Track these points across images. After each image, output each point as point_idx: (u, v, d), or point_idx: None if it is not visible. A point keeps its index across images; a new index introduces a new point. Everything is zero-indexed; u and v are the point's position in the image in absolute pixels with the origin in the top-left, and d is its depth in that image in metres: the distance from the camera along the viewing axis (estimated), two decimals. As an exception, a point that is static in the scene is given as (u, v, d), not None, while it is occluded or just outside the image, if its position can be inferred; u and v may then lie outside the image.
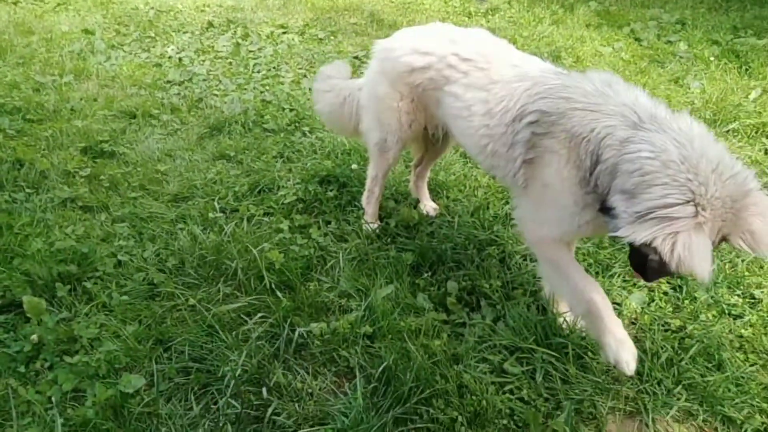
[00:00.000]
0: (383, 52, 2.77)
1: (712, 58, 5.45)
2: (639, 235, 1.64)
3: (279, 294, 2.60)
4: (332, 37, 6.35)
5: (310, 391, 2.18)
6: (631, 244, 1.78)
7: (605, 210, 1.86)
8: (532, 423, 1.98)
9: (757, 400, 2.11)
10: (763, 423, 2.05)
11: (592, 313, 2.04)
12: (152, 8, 7.12)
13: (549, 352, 2.27)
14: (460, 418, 2.03)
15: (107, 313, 2.54)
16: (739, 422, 2.06)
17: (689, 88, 4.86)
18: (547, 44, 5.94)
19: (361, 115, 2.96)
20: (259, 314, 2.49)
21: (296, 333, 2.36)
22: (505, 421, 2.05)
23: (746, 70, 5.19)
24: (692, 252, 1.58)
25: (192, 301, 2.57)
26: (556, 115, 2.05)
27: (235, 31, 6.45)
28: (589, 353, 2.29)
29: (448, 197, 3.37)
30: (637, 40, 6.11)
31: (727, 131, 4.11)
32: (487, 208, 3.24)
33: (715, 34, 6.09)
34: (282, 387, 2.18)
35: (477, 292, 2.64)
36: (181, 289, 2.65)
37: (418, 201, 3.34)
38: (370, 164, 3.04)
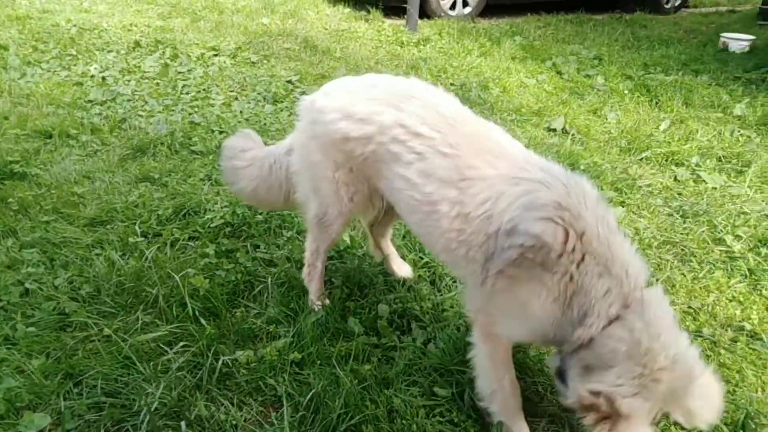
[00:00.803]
0: (312, 114, 2.29)
1: (626, 92, 5.84)
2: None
3: (203, 321, 2.48)
4: (265, 61, 6.31)
5: (234, 423, 2.07)
6: None
7: (560, 373, 1.83)
8: (461, 446, 1.97)
9: (672, 413, 2.20)
10: (678, 435, 2.13)
11: (504, 414, 2.04)
12: (74, 25, 6.83)
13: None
14: (390, 444, 2.00)
15: (10, 346, 2.34)
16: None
17: (606, 119, 5.16)
18: (475, 74, 6.16)
19: (296, 183, 2.49)
20: (181, 343, 2.36)
21: (220, 362, 2.26)
22: (435, 445, 2.03)
23: (656, 103, 5.59)
24: None
25: (107, 331, 2.40)
26: (560, 252, 1.70)
27: (163, 52, 6.27)
28: (516, 374, 2.32)
29: (379, 221, 3.37)
30: (559, 73, 6.46)
31: (641, 159, 4.38)
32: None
33: (628, 70, 6.55)
34: (204, 420, 2.06)
35: (408, 314, 2.63)
36: (96, 319, 2.48)
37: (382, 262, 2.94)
38: (309, 236, 2.58)
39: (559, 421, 2.16)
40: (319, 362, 2.30)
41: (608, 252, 1.70)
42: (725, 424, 2.12)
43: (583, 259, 1.70)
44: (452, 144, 1.94)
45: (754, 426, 2.12)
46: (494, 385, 2.03)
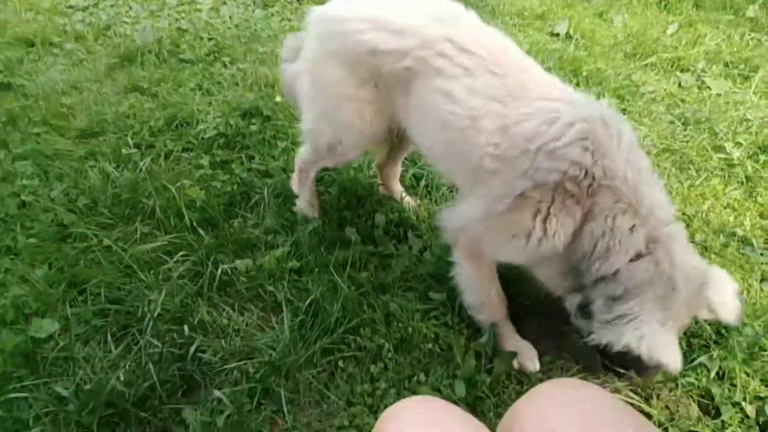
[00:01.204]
0: (328, 25, 2.09)
1: (634, -7, 5.54)
2: (611, 339, 1.73)
3: (201, 231, 2.50)
4: (254, -39, 5.92)
5: (236, 327, 2.15)
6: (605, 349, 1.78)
7: (582, 307, 1.86)
8: (455, 346, 2.06)
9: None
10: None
11: (494, 324, 2.10)
12: None
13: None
14: (387, 345, 2.08)
15: (12, 257, 2.38)
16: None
17: (612, 22, 4.94)
18: (477, -25, 5.81)
19: (302, 108, 2.32)
20: (181, 253, 2.40)
21: (220, 270, 2.30)
22: (430, 346, 2.11)
23: (665, 5, 5.32)
24: (659, 349, 1.69)
25: (107, 242, 2.44)
26: (599, 184, 1.72)
27: (145, -48, 5.88)
28: (510, 281, 2.38)
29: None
30: (565, -28, 6.09)
31: (645, 65, 4.23)
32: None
33: (638, -32, 6.17)
34: (207, 324, 2.14)
35: (404, 224, 2.65)
36: (95, 230, 2.50)
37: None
38: (305, 150, 2.41)
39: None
40: (317, 270, 2.34)
41: (634, 193, 1.72)
42: (709, 323, 2.20)
43: (601, 193, 1.72)
44: (500, 64, 1.89)
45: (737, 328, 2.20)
46: (481, 298, 2.11)
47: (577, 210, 1.75)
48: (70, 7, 4.66)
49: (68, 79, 3.62)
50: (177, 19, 4.59)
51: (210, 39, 4.24)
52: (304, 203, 2.59)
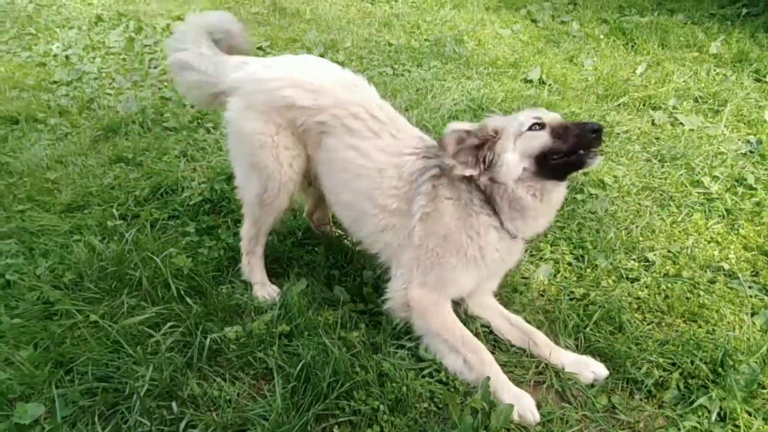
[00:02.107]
0: (250, 84, 2.40)
1: (602, 36, 5.77)
2: None
3: (189, 301, 2.48)
4: (233, 28, 6.11)
5: (227, 398, 2.10)
6: None
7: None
8: (450, 403, 2.02)
9: (654, 356, 2.27)
10: (660, 376, 2.20)
11: (488, 378, 2.07)
12: (31, 2, 6.56)
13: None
14: (381, 407, 2.04)
15: (-3, 339, 2.33)
16: (639, 379, 2.20)
17: (583, 66, 5.12)
18: (449, 28, 6.04)
19: (234, 167, 2.60)
20: (169, 324, 2.36)
21: (209, 339, 2.27)
22: (425, 404, 2.07)
23: (632, 46, 5.54)
24: None
25: (93, 317, 2.40)
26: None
27: (127, 25, 6.08)
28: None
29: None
30: (534, 21, 6.35)
31: (618, 105, 4.37)
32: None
33: (603, 13, 6.45)
34: (197, 397, 2.09)
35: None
36: (81, 306, 2.47)
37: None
38: (245, 223, 2.58)
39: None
40: (307, 333, 2.32)
41: None
42: (705, 363, 2.19)
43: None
44: (398, 129, 2.38)
45: (732, 362, 2.19)
46: (459, 349, 2.17)
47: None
48: (54, 82, 4.75)
49: (53, 154, 3.65)
50: (160, 89, 4.69)
51: (193, 106, 4.32)
52: (260, 289, 2.58)
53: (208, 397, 2.09)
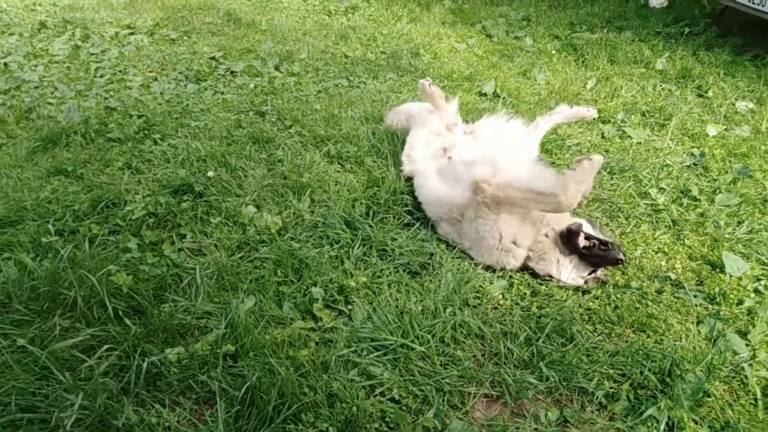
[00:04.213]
0: None
1: (554, 52, 5.88)
2: None
3: (128, 321, 2.35)
4: (186, 38, 5.98)
5: (166, 425, 1.99)
6: None
7: None
8: (401, 423, 1.96)
9: (604, 367, 2.27)
10: (611, 388, 2.20)
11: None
12: (-32, 7, 6.24)
13: (413, 346, 2.27)
14: (331, 429, 1.97)
15: None
16: (591, 391, 2.19)
17: (536, 80, 5.20)
18: (406, 41, 6.05)
19: None
20: (105, 347, 2.23)
21: (147, 362, 2.15)
22: (377, 425, 2.01)
23: (583, 61, 5.67)
24: None
25: (21, 342, 2.24)
26: None
27: (73, 33, 5.84)
28: (452, 344, 2.33)
29: (312, 199, 3.26)
30: (489, 36, 6.44)
31: (570, 119, 4.44)
32: (353, 206, 3.18)
33: (555, 30, 6.59)
34: (133, 426, 1.96)
35: (345, 291, 2.58)
36: (8, 329, 2.30)
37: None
38: None
39: (498, 386, 2.18)
40: (253, 353, 2.22)
41: None
42: (653, 373, 2.21)
43: None
44: None
45: (679, 372, 2.21)
46: None
47: None
48: (-9, 91, 4.50)
49: (-15, 167, 3.44)
50: (105, 98, 4.51)
51: (140, 116, 4.16)
52: None
53: (145, 424, 1.97)
